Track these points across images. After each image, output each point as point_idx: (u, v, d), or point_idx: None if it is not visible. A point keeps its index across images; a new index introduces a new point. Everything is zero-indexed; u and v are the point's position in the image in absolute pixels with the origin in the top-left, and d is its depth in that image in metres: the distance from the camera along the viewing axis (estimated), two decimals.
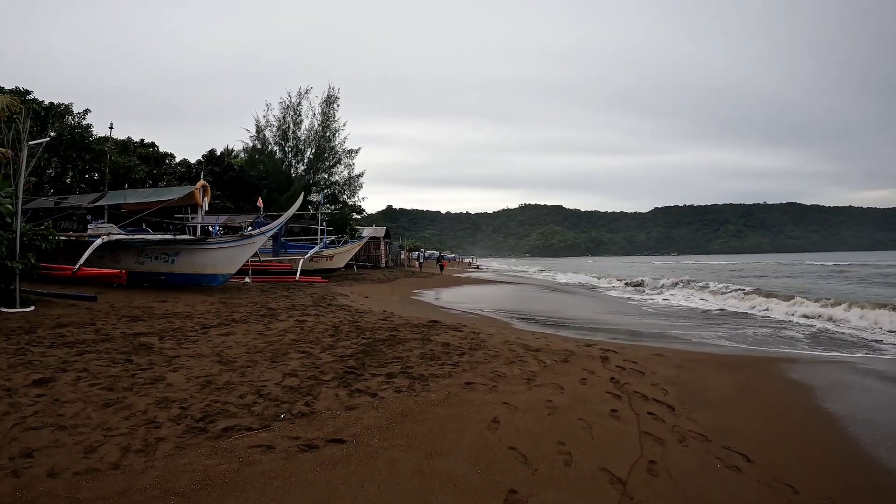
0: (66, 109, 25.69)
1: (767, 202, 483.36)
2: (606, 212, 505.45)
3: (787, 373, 8.18)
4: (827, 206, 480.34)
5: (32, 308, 10.54)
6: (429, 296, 23.10)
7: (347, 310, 13.58)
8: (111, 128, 22.85)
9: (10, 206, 10.79)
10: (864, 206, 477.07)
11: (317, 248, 28.88)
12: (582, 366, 7.69)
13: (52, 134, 21.53)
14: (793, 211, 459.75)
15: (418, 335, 9.75)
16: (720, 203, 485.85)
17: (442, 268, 52.06)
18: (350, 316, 12.22)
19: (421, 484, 3.92)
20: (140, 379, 6.17)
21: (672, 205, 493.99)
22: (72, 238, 16.04)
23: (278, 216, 21.32)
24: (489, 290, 28.95)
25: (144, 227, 20.46)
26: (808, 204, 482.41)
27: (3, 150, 12.93)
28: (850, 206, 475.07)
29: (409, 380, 6.61)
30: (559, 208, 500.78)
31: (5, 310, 10.16)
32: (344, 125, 46.86)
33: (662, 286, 32.30)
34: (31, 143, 11.56)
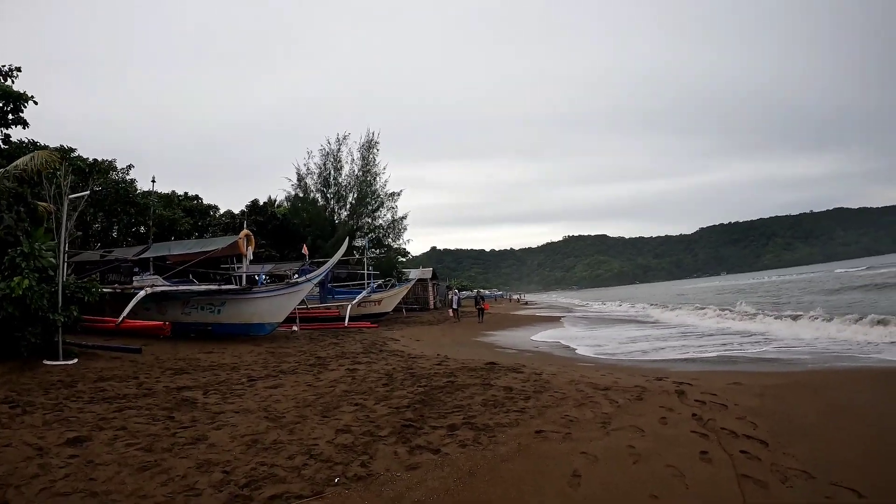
0: (109, 165, 26.35)
1: (814, 210, 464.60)
2: (651, 237, 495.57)
3: (871, 385, 8.00)
4: (875, 207, 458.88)
5: (76, 360, 10.37)
6: (484, 337, 22.39)
7: (400, 355, 13.08)
8: (153, 181, 23.25)
9: (52, 260, 10.71)
10: None
11: (364, 293, 28.64)
12: (658, 403, 7.14)
13: (96, 188, 21.87)
14: (840, 216, 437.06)
15: (477, 380, 9.10)
16: (766, 216, 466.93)
17: (482, 312, 32.78)
18: (403, 362, 11.69)
19: None
20: (181, 438, 5.71)
21: (717, 223, 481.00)
22: (117, 290, 15.99)
23: (324, 263, 21.11)
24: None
25: (191, 277, 20.44)
26: (856, 207, 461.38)
27: (44, 204, 13.00)
28: None
29: (473, 431, 5.98)
30: (603, 237, 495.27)
31: (48, 362, 9.99)
32: (384, 168, 46.95)
33: None
34: (71, 196, 11.56)
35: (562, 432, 5.90)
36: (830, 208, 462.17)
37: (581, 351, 15.78)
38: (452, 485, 4.51)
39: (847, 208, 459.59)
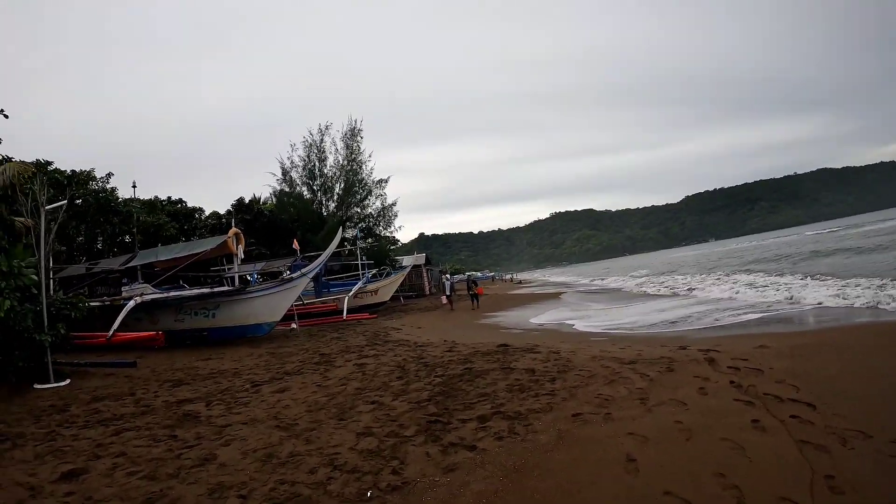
0: (88, 175, 25.42)
1: (797, 172, 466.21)
2: (638, 208, 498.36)
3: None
4: (858, 166, 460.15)
5: (68, 381, 9.77)
6: (485, 319, 21.91)
7: (406, 345, 12.54)
8: (134, 186, 22.59)
9: (34, 277, 10.02)
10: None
11: (360, 284, 28.08)
12: (691, 373, 6.77)
13: (76, 200, 21.08)
14: (825, 177, 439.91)
15: (495, 364, 8.56)
16: (750, 181, 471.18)
17: (476, 297, 30.15)
18: (412, 352, 11.15)
19: None
20: (187, 460, 5.13)
21: (702, 191, 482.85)
22: (106, 303, 15.38)
23: (316, 257, 20.56)
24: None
25: (181, 283, 19.85)
26: (839, 167, 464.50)
27: (21, 219, 12.30)
28: (881, 163, 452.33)
29: (506, 421, 5.50)
30: (590, 212, 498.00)
31: (39, 386, 9.39)
32: (370, 156, 46.23)
33: None
34: (47, 207, 10.88)
35: (600, 413, 5.49)
36: (814, 169, 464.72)
37: (590, 326, 15.39)
38: (500, 485, 4.05)
39: (831, 168, 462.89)
